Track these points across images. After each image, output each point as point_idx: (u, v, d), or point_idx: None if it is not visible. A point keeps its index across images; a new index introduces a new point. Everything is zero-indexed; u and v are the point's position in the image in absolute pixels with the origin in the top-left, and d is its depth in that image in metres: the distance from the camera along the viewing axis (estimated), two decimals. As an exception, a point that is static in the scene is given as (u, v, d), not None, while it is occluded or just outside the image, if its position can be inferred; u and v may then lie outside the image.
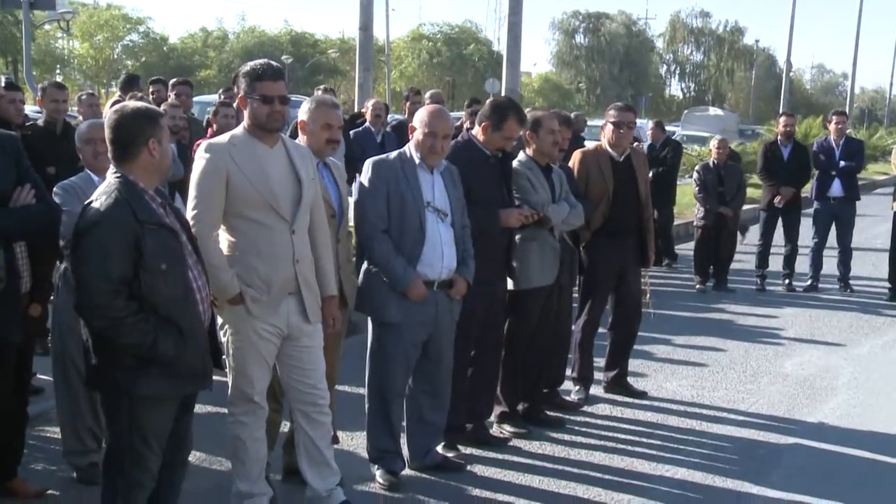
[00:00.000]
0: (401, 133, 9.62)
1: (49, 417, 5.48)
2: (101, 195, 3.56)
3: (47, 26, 41.43)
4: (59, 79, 38.62)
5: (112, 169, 3.63)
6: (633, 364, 7.15)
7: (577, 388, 6.69)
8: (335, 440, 4.83)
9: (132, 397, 3.59)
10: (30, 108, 9.90)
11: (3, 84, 7.33)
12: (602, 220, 6.45)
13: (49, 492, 4.73)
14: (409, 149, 5.04)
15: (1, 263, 3.20)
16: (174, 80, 9.52)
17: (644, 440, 5.93)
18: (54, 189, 4.53)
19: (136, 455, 3.64)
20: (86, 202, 3.61)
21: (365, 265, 5.02)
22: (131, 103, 3.77)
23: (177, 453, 3.87)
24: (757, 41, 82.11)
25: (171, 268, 3.56)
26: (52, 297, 4.89)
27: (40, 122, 7.45)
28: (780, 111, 17.22)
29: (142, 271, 3.49)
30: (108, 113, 3.71)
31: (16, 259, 3.84)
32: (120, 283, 3.46)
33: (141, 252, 3.48)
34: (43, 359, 5.49)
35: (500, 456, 5.53)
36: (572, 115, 8.54)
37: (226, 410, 4.45)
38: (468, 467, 5.32)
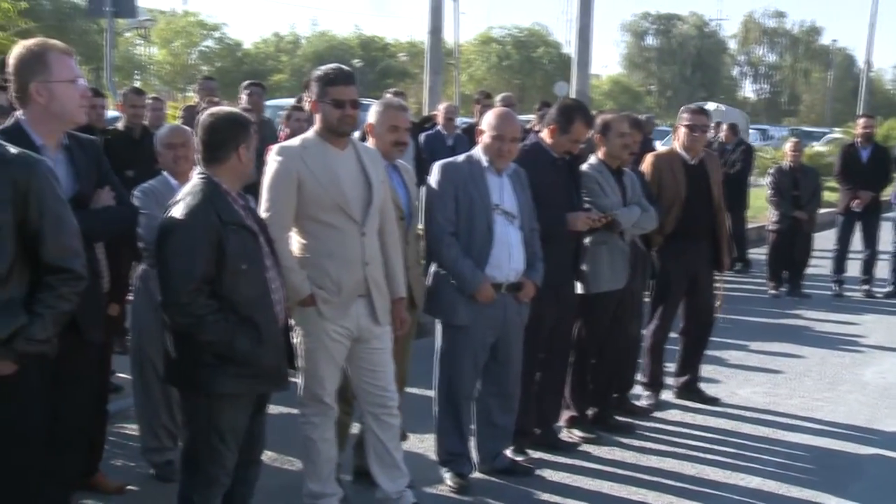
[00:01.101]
0: (472, 136, 9.61)
1: (128, 415, 5.61)
2: (187, 195, 3.67)
3: (128, 34, 42.48)
4: (137, 84, 39.48)
5: (198, 169, 3.73)
6: (705, 370, 7.05)
7: (648, 393, 6.62)
8: (404, 437, 4.86)
9: (210, 395, 3.67)
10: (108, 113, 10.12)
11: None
12: (675, 224, 6.37)
13: (128, 487, 4.84)
14: (478, 152, 5.04)
15: (83, 263, 3.28)
16: (246, 82, 9.66)
17: (716, 447, 5.84)
18: (134, 192, 4.64)
19: (213, 452, 3.71)
20: (171, 201, 3.72)
21: (433, 268, 5.04)
22: (226, 108, 3.88)
23: (251, 452, 3.93)
24: (834, 41, 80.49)
25: (250, 268, 3.63)
26: (129, 298, 5.01)
27: (120, 127, 7.64)
28: (859, 112, 16.81)
29: (223, 271, 3.57)
30: (200, 116, 3.82)
31: (97, 260, 3.94)
32: (202, 281, 3.55)
33: (223, 251, 3.57)
34: (121, 357, 5.62)
35: (569, 461, 5.50)
36: (642, 118, 8.47)
37: (297, 411, 4.51)
38: (537, 471, 5.30)
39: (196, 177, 3.74)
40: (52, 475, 3.44)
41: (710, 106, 23.40)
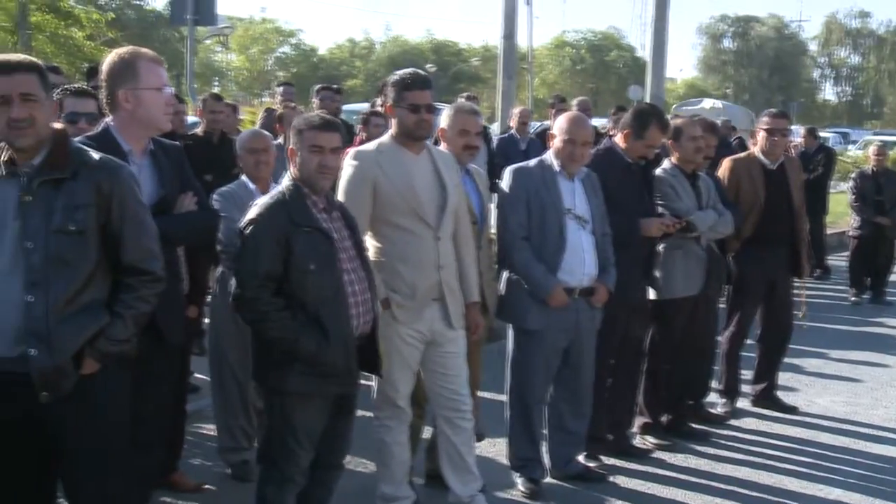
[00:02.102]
0: (545, 140, 9.58)
1: (205, 415, 5.72)
2: (266, 197, 3.81)
3: (207, 41, 43.35)
4: (216, 90, 40.28)
5: (289, 174, 3.84)
6: (783, 377, 6.92)
7: (723, 400, 6.52)
8: (480, 438, 4.86)
9: (282, 393, 3.73)
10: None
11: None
12: (753, 230, 6.27)
13: (205, 486, 4.93)
14: (549, 156, 5.03)
15: (162, 266, 3.36)
16: (320, 85, 9.77)
17: (794, 457, 5.72)
18: (213, 196, 4.74)
19: (287, 449, 3.76)
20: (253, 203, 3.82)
21: (506, 272, 5.03)
22: (308, 114, 3.96)
23: (332, 456, 3.96)
24: (923, 41, 77.89)
25: (319, 269, 3.67)
26: (208, 300, 5.11)
27: (199, 132, 7.79)
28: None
29: (291, 270, 3.63)
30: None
31: (177, 263, 4.02)
32: (267, 277, 3.62)
33: (291, 251, 3.63)
34: (199, 359, 5.73)
35: (642, 468, 5.44)
36: (718, 121, 8.35)
37: (371, 414, 4.54)
38: (610, 478, 5.26)
39: (286, 180, 3.83)
40: (134, 473, 3.52)
41: (707, 104, 22.18)
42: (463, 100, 9.80)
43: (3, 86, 3.08)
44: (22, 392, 3.05)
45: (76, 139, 3.50)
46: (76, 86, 5.00)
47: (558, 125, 5.02)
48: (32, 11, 16.44)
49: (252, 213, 3.74)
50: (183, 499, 4.76)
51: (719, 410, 6.44)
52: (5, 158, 3.13)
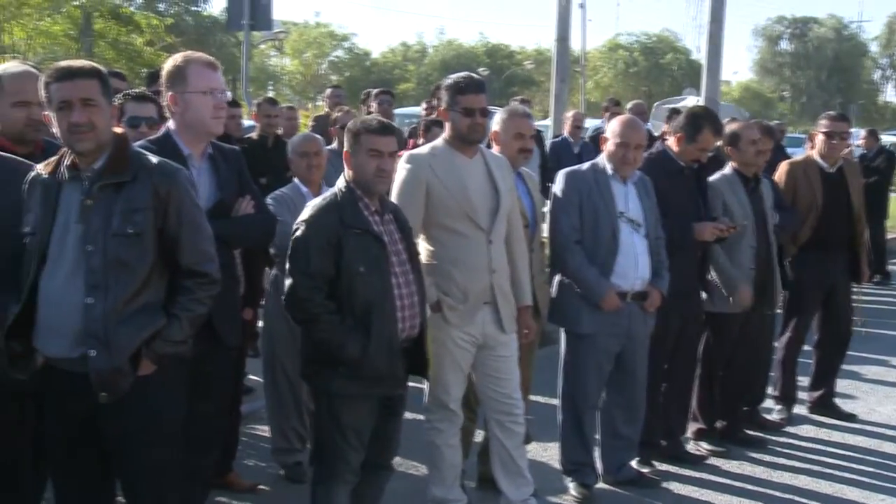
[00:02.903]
0: (598, 144, 9.53)
1: (259, 416, 5.78)
2: (319, 198, 3.85)
3: (262, 46, 43.83)
4: (270, 94, 40.75)
5: (343, 177, 3.86)
6: (841, 384, 6.80)
7: (780, 407, 6.43)
8: (529, 440, 4.84)
9: (329, 394, 3.76)
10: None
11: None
12: (810, 234, 6.18)
13: (260, 487, 4.97)
14: (602, 159, 5.00)
15: (217, 268, 3.40)
16: (379, 89, 9.83)
17: (854, 465, 5.60)
18: (267, 199, 4.77)
19: (337, 449, 3.78)
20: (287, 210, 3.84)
21: (558, 276, 5.01)
22: (365, 118, 3.99)
23: (381, 456, 3.98)
24: None
25: (369, 271, 3.69)
26: (262, 303, 5.16)
27: (254, 136, 7.88)
28: None
29: (341, 272, 3.66)
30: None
31: (234, 265, 4.06)
32: (318, 278, 3.66)
33: (341, 253, 3.66)
34: (253, 360, 5.79)
35: (696, 474, 5.38)
36: (772, 125, 8.22)
37: (423, 417, 4.55)
38: (663, 484, 5.22)
39: (339, 183, 3.86)
40: (190, 472, 3.56)
41: (690, 101, 20.82)
42: (516, 103, 9.83)
43: (65, 91, 3.15)
44: (82, 392, 3.11)
45: (138, 143, 3.56)
46: (136, 90, 5.09)
47: (611, 128, 4.99)
48: (95, 19, 16.80)
49: (304, 214, 3.78)
50: (237, 499, 4.81)
51: (775, 417, 6.35)
52: (68, 163, 3.20)
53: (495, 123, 4.88)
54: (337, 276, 3.67)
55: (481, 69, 49.54)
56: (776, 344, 6.39)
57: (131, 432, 3.21)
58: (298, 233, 3.73)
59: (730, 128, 5.79)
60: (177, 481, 3.36)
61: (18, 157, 3.50)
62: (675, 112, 9.42)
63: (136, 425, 3.20)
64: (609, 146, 4.94)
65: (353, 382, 3.70)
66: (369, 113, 8.39)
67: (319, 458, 3.89)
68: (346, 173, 3.86)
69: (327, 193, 3.87)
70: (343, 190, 3.81)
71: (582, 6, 37.87)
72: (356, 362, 3.65)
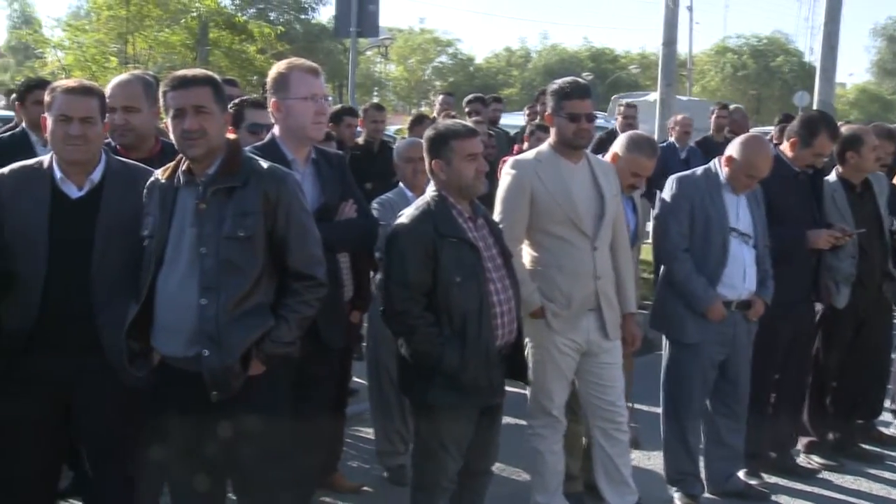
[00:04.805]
0: (706, 148, 9.37)
1: (363, 419, 5.85)
2: (412, 207, 3.82)
3: (368, 52, 44.45)
4: (376, 100, 41.33)
5: (432, 186, 3.85)
6: (966, 399, 6.50)
7: (897, 421, 6.21)
8: (635, 444, 4.78)
9: (427, 405, 3.76)
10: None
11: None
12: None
13: (364, 488, 5.04)
14: (716, 165, 4.90)
15: (325, 272, 3.45)
16: (492, 95, 9.87)
17: (979, 485, 5.36)
18: (372, 204, 4.84)
19: (435, 458, 3.79)
20: (398, 214, 3.86)
21: (661, 283, 4.94)
22: (448, 123, 3.99)
23: (480, 462, 3.98)
24: None
25: (465, 281, 3.68)
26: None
27: (360, 141, 7.98)
28: None
29: (438, 282, 3.65)
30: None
31: (339, 269, 4.12)
32: (416, 290, 3.65)
33: (438, 262, 3.65)
34: (357, 363, 5.85)
35: (807, 488, 5.24)
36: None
37: (525, 422, 4.54)
38: (772, 497, 5.09)
39: (429, 191, 3.85)
40: (298, 471, 3.63)
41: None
42: (623, 108, 9.74)
43: (179, 99, 3.26)
44: (196, 391, 3.20)
45: (246, 149, 3.65)
46: (255, 97, 5.22)
47: (741, 152, 4.80)
48: (211, 28, 17.34)
49: (398, 224, 3.76)
50: (342, 499, 4.88)
51: (893, 431, 6.13)
52: (184, 168, 3.31)
53: (618, 145, 4.84)
54: (433, 287, 3.67)
55: (585, 74, 49.17)
56: (894, 355, 6.15)
57: (240, 431, 3.29)
58: (394, 244, 3.73)
59: (849, 130, 5.60)
60: (287, 480, 3.43)
61: (139, 164, 3.63)
62: (788, 118, 9.18)
63: (244, 424, 3.27)
64: (735, 170, 4.78)
65: (450, 393, 3.69)
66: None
67: (419, 467, 3.90)
68: (437, 181, 3.84)
69: (419, 202, 3.85)
70: (435, 197, 3.79)
71: (689, 9, 37.32)
72: (454, 373, 3.65)
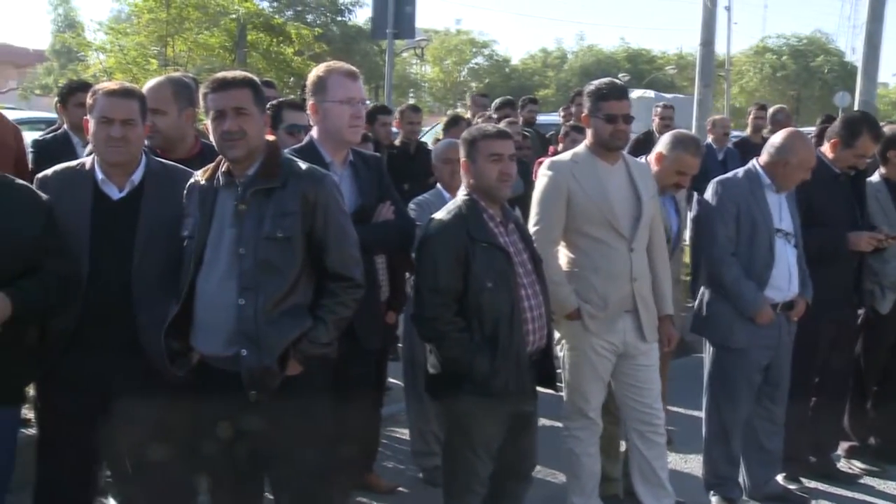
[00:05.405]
0: (744, 150, 9.29)
1: (399, 419, 5.86)
2: (443, 211, 3.79)
3: (405, 54, 44.54)
4: (411, 101, 41.42)
5: (463, 188, 3.85)
6: None
7: (943, 426, 6.09)
8: (669, 441, 4.75)
9: (457, 410, 3.75)
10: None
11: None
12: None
13: (399, 489, 5.05)
14: (756, 167, 4.86)
15: (362, 272, 3.47)
16: (526, 97, 9.84)
17: None
18: (409, 205, 4.85)
19: (465, 461, 3.77)
20: (430, 217, 3.85)
21: (704, 287, 4.90)
22: (480, 124, 3.98)
23: (519, 468, 3.94)
24: None
25: (497, 286, 3.65)
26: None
27: (396, 142, 8.01)
28: None
29: (469, 288, 3.63)
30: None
31: (375, 270, 4.13)
32: (448, 295, 3.62)
33: (469, 268, 3.62)
34: (393, 364, 5.86)
35: (848, 493, 5.17)
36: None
37: (561, 424, 4.53)
38: (812, 501, 5.03)
39: (460, 195, 3.85)
40: (333, 471, 3.64)
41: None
42: (661, 110, 9.68)
43: (219, 101, 3.29)
44: (234, 391, 3.23)
45: (285, 150, 3.68)
46: (293, 98, 5.25)
47: (792, 148, 4.76)
48: (249, 31, 17.49)
49: (430, 228, 3.74)
50: (377, 499, 4.89)
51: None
52: (224, 169, 3.34)
53: (662, 144, 4.82)
54: (464, 292, 3.64)
55: (622, 75, 48.92)
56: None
57: (278, 431, 3.31)
58: (426, 247, 3.71)
59: (890, 131, 5.52)
60: (323, 479, 3.45)
61: (179, 165, 3.66)
62: (829, 119, 9.08)
63: (283, 424, 3.30)
64: (789, 170, 4.74)
65: (480, 399, 3.66)
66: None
67: (449, 470, 3.88)
68: (467, 183, 3.83)
69: (450, 205, 3.82)
70: (466, 201, 3.77)
71: (727, 9, 36.95)
72: (485, 379, 3.62)
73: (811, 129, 10.47)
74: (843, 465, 5.52)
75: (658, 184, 4.65)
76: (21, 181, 3.44)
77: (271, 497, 3.55)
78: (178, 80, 4.19)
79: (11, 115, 6.16)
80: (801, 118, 40.46)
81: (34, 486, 3.50)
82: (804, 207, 4.95)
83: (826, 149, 5.21)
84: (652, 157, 4.85)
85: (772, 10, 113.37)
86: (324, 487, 3.47)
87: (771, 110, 10.36)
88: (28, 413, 3.98)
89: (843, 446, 5.59)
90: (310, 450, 3.37)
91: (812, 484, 5.22)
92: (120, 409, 3.38)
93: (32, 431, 3.63)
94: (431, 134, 13.14)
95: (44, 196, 3.37)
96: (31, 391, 3.62)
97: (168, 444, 3.40)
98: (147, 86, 4.04)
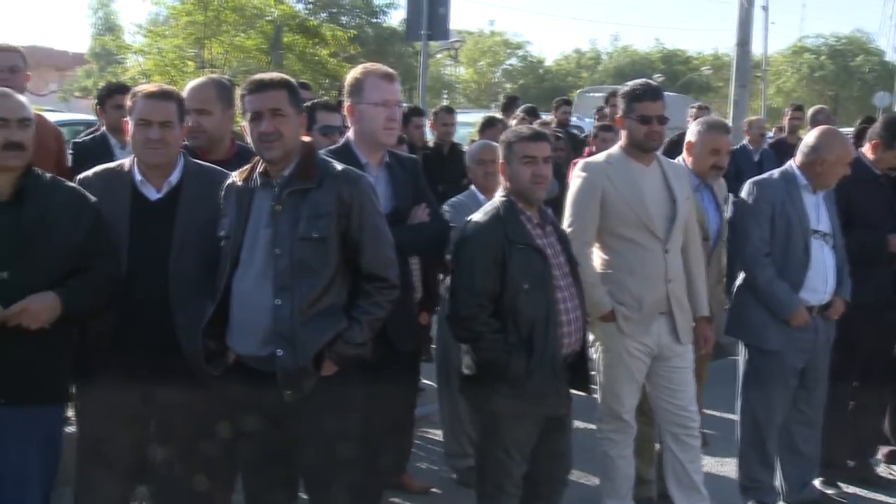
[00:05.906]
0: (780, 151, 9.21)
1: (432, 420, 5.87)
2: (480, 213, 3.80)
3: (438, 55, 44.56)
4: (445, 103, 41.46)
5: (501, 190, 3.84)
6: None
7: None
8: (705, 443, 4.72)
9: (490, 412, 3.75)
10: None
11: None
12: None
13: (432, 489, 5.07)
14: (793, 167, 4.81)
15: (397, 274, 3.48)
16: (560, 98, 9.85)
17: None
18: (444, 206, 4.86)
19: (498, 463, 3.77)
20: (467, 218, 3.85)
21: (738, 288, 4.86)
22: (516, 127, 3.98)
23: (555, 471, 3.94)
24: None
25: (533, 288, 3.65)
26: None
27: (430, 143, 8.03)
28: None
29: (506, 288, 3.63)
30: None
31: (409, 272, 4.14)
32: (484, 296, 3.63)
33: (506, 269, 3.62)
34: (426, 365, 5.88)
35: (888, 499, 5.12)
36: None
37: (595, 426, 4.51)
38: (850, 507, 4.98)
39: (498, 196, 3.85)
40: (369, 470, 3.66)
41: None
42: (695, 111, 9.62)
43: (256, 103, 3.32)
44: (269, 390, 3.25)
45: (321, 151, 3.70)
46: (327, 99, 5.29)
47: (829, 146, 4.72)
48: (285, 33, 17.63)
49: (467, 229, 3.75)
50: (410, 500, 4.92)
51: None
52: (260, 170, 3.37)
53: (691, 134, 4.80)
54: (500, 293, 3.65)
55: (656, 75, 48.59)
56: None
57: (314, 430, 3.33)
58: (463, 249, 3.72)
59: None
60: (357, 479, 3.46)
61: (216, 166, 3.70)
62: (869, 120, 8.97)
63: (318, 424, 3.32)
64: (827, 167, 4.68)
65: (514, 401, 3.66)
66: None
67: (482, 472, 3.88)
68: (504, 185, 3.84)
69: (487, 207, 3.83)
70: (504, 203, 3.78)
71: (764, 8, 36.62)
72: (519, 381, 3.62)
73: (850, 130, 10.37)
74: (882, 469, 5.46)
75: (697, 173, 4.63)
76: (70, 183, 3.50)
77: (305, 497, 3.58)
78: (220, 80, 4.24)
79: (51, 117, 6.24)
80: (839, 119, 39.88)
81: (74, 484, 3.55)
82: (843, 209, 4.90)
83: (867, 150, 5.16)
84: (684, 152, 4.82)
85: (810, 10, 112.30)
86: (357, 487, 3.48)
87: (811, 111, 10.24)
88: (69, 411, 4.04)
89: (883, 450, 5.53)
90: (344, 449, 3.38)
91: (850, 489, 5.18)
92: (157, 408, 3.42)
93: (73, 429, 3.67)
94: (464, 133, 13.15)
95: (92, 198, 3.42)
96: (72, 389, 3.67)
97: (204, 441, 3.43)
98: (189, 86, 4.09)
